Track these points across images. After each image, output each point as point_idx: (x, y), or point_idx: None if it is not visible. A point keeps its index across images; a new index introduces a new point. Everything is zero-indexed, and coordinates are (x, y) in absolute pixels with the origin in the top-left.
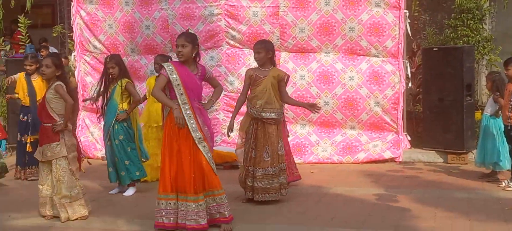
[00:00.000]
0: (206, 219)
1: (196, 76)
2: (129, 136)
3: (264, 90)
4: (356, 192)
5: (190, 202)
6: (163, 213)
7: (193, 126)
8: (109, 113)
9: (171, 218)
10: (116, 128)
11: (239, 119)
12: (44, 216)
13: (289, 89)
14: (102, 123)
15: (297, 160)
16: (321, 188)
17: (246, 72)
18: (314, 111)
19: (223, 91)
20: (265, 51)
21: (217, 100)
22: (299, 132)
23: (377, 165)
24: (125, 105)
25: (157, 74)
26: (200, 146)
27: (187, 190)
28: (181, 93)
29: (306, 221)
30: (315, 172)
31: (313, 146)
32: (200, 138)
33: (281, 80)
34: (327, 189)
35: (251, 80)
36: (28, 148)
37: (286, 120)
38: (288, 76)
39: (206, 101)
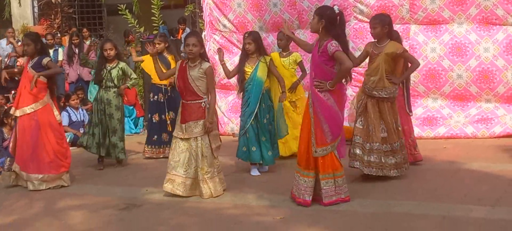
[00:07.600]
0: (310, 196)
1: (318, 52)
2: (272, 115)
3: (377, 68)
4: (492, 168)
5: (301, 176)
6: (294, 186)
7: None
8: (255, 93)
9: (296, 192)
10: (263, 106)
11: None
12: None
13: (420, 63)
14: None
15: (428, 133)
16: (454, 163)
17: (365, 45)
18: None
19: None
20: (381, 26)
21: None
22: (431, 106)
23: None
24: (267, 83)
25: (280, 49)
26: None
27: (301, 164)
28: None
29: (436, 198)
30: (448, 147)
31: (445, 119)
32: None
33: (398, 56)
34: (461, 165)
35: (367, 55)
36: (169, 127)
37: (414, 94)
38: (404, 50)
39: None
